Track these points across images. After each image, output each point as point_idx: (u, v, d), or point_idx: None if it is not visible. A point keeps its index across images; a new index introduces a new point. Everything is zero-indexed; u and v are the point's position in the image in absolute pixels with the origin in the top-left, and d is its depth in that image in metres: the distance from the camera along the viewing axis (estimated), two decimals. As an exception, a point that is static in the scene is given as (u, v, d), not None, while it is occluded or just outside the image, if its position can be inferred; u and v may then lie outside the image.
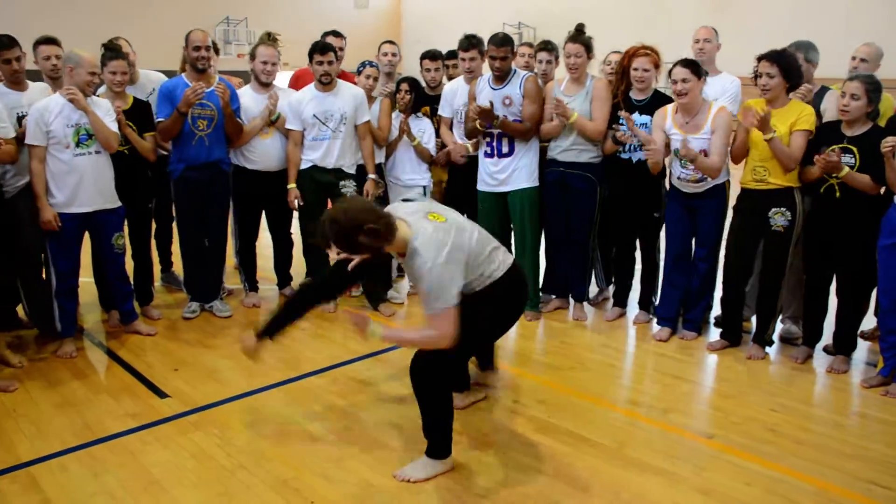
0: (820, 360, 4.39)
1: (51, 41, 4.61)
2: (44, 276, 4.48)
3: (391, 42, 5.74)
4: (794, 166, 4.13)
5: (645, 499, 2.98)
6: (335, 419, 3.65)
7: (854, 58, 4.55)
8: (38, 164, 4.16)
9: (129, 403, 3.79)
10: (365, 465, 3.22)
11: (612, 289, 5.35)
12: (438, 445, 3.16)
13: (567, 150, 4.86)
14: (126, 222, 4.66)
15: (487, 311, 3.13)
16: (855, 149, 3.97)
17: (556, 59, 5.20)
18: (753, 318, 4.69)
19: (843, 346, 4.28)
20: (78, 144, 4.22)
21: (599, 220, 5.02)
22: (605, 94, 4.76)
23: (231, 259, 5.60)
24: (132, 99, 4.72)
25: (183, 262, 5.11)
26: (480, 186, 5.05)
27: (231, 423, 3.59)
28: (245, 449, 3.34)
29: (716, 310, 4.91)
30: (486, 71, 4.98)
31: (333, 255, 3.30)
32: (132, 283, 4.82)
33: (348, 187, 5.01)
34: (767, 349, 4.49)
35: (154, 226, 5.30)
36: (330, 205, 5.05)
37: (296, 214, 5.24)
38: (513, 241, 5.12)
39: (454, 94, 5.21)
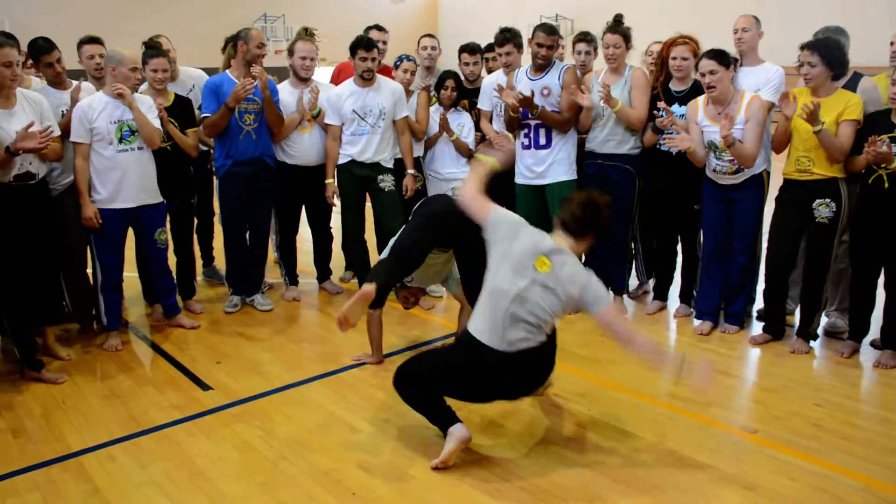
0: (867, 354, 4.30)
1: (94, 41, 4.70)
2: (89, 271, 4.59)
3: (431, 35, 5.74)
4: (842, 158, 4.04)
5: (687, 493, 2.96)
6: (375, 411, 3.68)
7: (893, 43, 4.41)
8: (82, 162, 4.25)
9: (173, 395, 3.86)
10: (404, 457, 3.24)
11: (652, 282, 5.30)
12: (436, 424, 3.24)
13: (606, 141, 4.83)
14: (168, 218, 4.74)
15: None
16: (905, 138, 3.87)
17: (594, 50, 5.16)
18: (797, 312, 4.61)
19: (891, 340, 4.18)
20: (121, 141, 4.30)
21: (640, 213, 4.98)
22: (643, 83, 4.72)
23: (271, 254, 5.67)
24: (174, 95, 4.80)
25: (226, 257, 5.18)
26: (518, 179, 5.04)
27: (273, 415, 3.64)
28: (287, 440, 3.39)
29: (758, 303, 4.84)
30: (524, 63, 4.96)
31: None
32: (175, 277, 4.91)
33: (387, 182, 5.03)
34: (812, 343, 4.41)
35: (196, 221, 5.38)
36: (369, 199, 5.11)
37: (335, 209, 5.28)
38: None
39: (493, 87, 5.19)
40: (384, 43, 5.50)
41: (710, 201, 4.54)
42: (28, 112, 3.90)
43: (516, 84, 4.87)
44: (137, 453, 3.28)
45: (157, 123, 4.42)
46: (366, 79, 4.94)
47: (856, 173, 4.08)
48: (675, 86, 4.69)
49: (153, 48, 4.76)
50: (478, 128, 5.36)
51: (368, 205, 5.21)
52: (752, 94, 4.32)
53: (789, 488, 2.98)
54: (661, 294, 5.13)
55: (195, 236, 5.36)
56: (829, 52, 4.01)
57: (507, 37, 5.00)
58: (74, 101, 4.33)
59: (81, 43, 4.71)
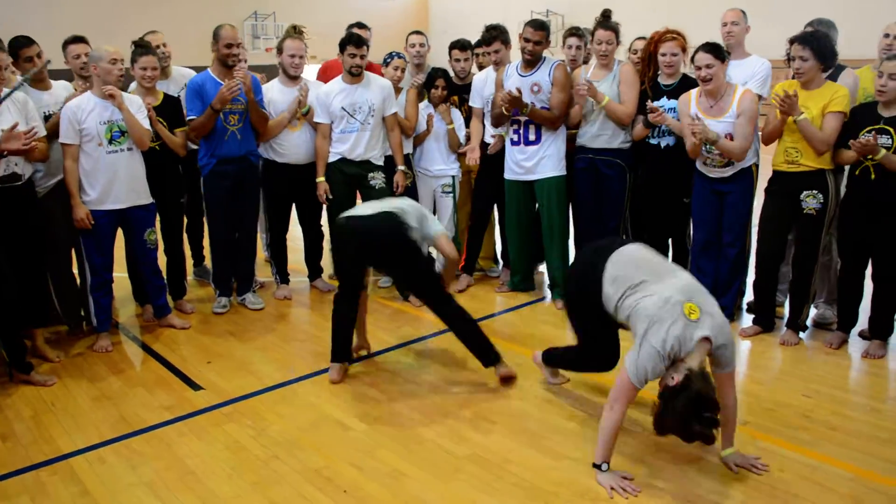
0: (855, 345, 4.32)
1: (79, 40, 4.68)
2: (76, 272, 4.57)
3: (419, 32, 5.72)
4: (827, 149, 4.05)
5: (678, 485, 2.97)
6: (366, 409, 3.68)
7: (887, 35, 4.42)
8: (72, 163, 4.23)
9: (163, 396, 3.85)
10: (396, 454, 3.24)
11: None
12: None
13: (596, 136, 4.84)
14: (158, 217, 4.72)
15: None
16: (892, 129, 3.88)
17: (585, 45, 5.16)
18: (787, 304, 4.62)
19: (879, 330, 4.20)
20: (111, 141, 4.28)
21: (630, 207, 4.98)
22: (632, 77, 4.73)
23: (262, 252, 5.65)
24: (162, 95, 4.78)
25: (212, 257, 5.18)
26: (507, 175, 5.04)
27: (264, 415, 3.64)
28: (278, 439, 3.38)
29: (749, 295, 4.85)
30: (514, 59, 4.96)
31: None
32: (165, 277, 4.89)
33: (377, 179, 5.02)
34: (801, 334, 4.43)
35: (185, 220, 5.37)
36: (359, 197, 5.10)
37: (325, 207, 5.27)
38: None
39: (484, 83, 5.19)
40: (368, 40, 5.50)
41: (701, 194, 4.55)
42: (13, 112, 3.88)
43: (506, 80, 4.87)
44: (128, 454, 3.27)
45: (146, 124, 4.40)
46: (354, 75, 4.92)
47: (843, 165, 4.09)
48: (663, 80, 4.69)
49: (142, 46, 4.74)
50: (468, 125, 5.36)
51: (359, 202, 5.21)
52: (745, 89, 4.33)
53: (779, 479, 2.99)
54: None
55: (185, 236, 5.34)
56: (820, 45, 4.03)
57: (495, 34, 5.00)
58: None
59: (66, 43, 4.68)
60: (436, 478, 3.06)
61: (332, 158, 5.05)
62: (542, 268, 5.64)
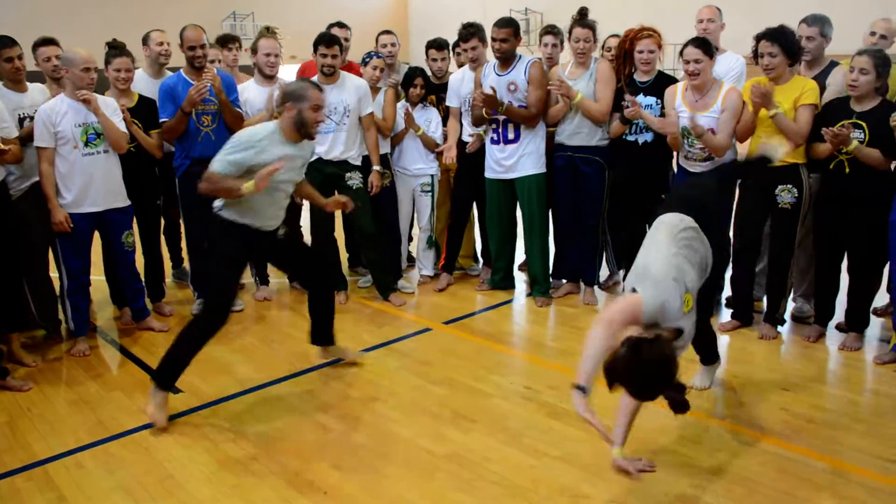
0: (833, 338, 4.36)
1: (49, 42, 4.63)
2: (54, 275, 4.52)
3: (389, 32, 5.70)
4: (802, 142, 4.09)
5: (658, 481, 2.98)
6: (346, 410, 3.67)
7: (874, 33, 4.45)
8: (48, 167, 4.18)
9: (142, 400, 3.79)
10: (377, 455, 3.23)
11: (622, 273, 5.34)
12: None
13: (574, 133, 4.85)
14: (135, 220, 4.68)
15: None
16: (864, 124, 3.92)
17: (561, 43, 5.17)
18: (765, 298, 4.66)
19: (855, 323, 4.25)
20: (87, 144, 4.24)
21: (609, 204, 5.00)
22: (608, 75, 4.74)
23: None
24: (137, 96, 4.74)
25: (189, 259, 5.14)
26: (487, 174, 5.05)
27: (243, 417, 3.62)
28: (258, 441, 3.36)
29: (727, 290, 4.88)
30: (491, 57, 4.96)
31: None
32: (143, 280, 4.85)
33: (354, 179, 5.01)
34: (779, 328, 4.47)
35: (163, 222, 5.33)
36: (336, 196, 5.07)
37: (304, 207, 5.25)
38: (521, 228, 5.12)
39: (460, 83, 5.19)
40: (346, 40, 5.47)
41: (682, 187, 4.58)
42: None
43: (484, 80, 4.87)
44: (105, 459, 3.24)
45: (122, 126, 4.36)
46: (327, 74, 4.89)
47: (819, 159, 4.12)
48: (639, 77, 4.71)
49: (116, 48, 4.69)
50: (445, 123, 5.35)
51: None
52: (731, 86, 4.35)
53: (757, 472, 3.01)
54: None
55: (162, 238, 5.30)
56: (787, 41, 4.06)
57: (472, 31, 5.00)
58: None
59: (36, 45, 4.63)
60: (416, 477, 3.06)
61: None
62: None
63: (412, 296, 5.38)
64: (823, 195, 4.17)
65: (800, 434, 3.30)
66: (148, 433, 3.47)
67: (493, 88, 4.70)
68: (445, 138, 5.30)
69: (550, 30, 5.19)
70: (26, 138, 4.18)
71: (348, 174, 5.00)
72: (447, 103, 5.29)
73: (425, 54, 5.51)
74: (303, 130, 3.57)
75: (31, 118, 4.26)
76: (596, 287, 5.24)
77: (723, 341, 4.42)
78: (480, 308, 5.13)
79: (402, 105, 5.32)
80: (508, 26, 4.76)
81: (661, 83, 4.60)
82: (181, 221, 5.25)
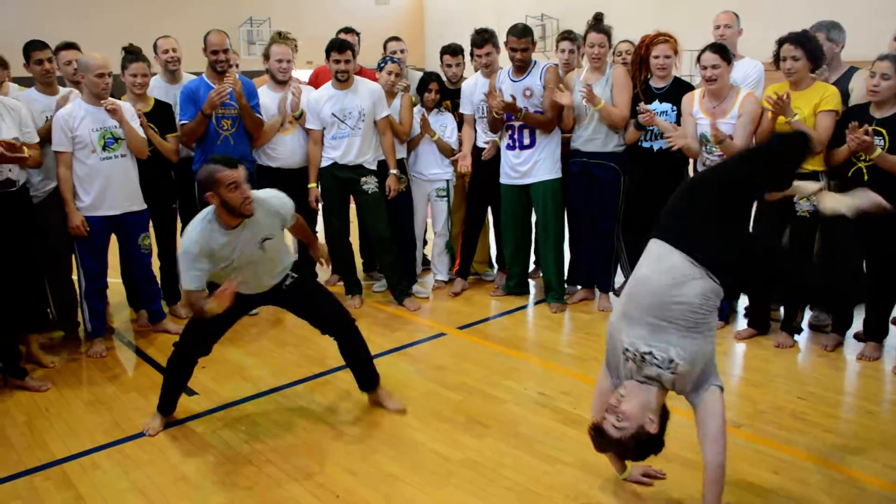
0: (850, 347, 4.32)
1: (70, 46, 4.69)
2: (74, 278, 4.57)
3: (397, 38, 5.72)
4: (822, 148, 4.06)
5: (673, 489, 2.96)
6: (360, 413, 3.67)
7: (895, 39, 4.45)
8: (65, 170, 4.22)
9: (157, 401, 3.83)
10: (390, 459, 3.23)
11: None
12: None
13: (590, 139, 4.84)
14: (151, 223, 4.72)
15: None
16: (885, 131, 3.88)
17: (578, 49, 5.17)
18: (782, 306, 4.62)
19: (874, 332, 4.20)
20: (104, 148, 4.28)
21: (624, 210, 4.99)
22: (624, 80, 4.73)
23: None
24: (153, 101, 4.78)
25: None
26: (503, 179, 5.05)
27: (258, 419, 3.63)
28: (271, 444, 3.38)
29: (744, 299, 4.85)
30: (503, 64, 4.97)
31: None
32: (159, 282, 4.88)
33: (370, 184, 5.02)
34: (796, 337, 4.43)
35: (180, 226, 5.36)
36: (353, 202, 5.11)
37: (320, 212, 5.27)
38: (535, 234, 5.11)
39: (472, 89, 5.20)
40: (355, 45, 5.50)
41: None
42: (6, 119, 3.87)
43: (499, 86, 4.88)
44: (121, 460, 3.27)
45: (141, 132, 4.40)
46: (341, 80, 4.92)
47: (836, 166, 4.09)
48: (655, 83, 4.70)
49: (132, 53, 4.74)
50: (461, 129, 5.36)
51: (353, 206, 5.21)
52: (748, 91, 4.33)
53: (773, 482, 2.99)
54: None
55: (179, 241, 5.32)
56: (812, 46, 4.04)
57: (486, 37, 5.02)
58: (59, 107, 4.31)
59: (58, 49, 4.69)
60: (429, 483, 3.05)
61: (324, 164, 5.05)
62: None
63: (427, 300, 5.39)
64: (842, 203, 4.14)
65: (815, 444, 3.27)
66: (163, 435, 3.49)
67: (512, 96, 4.71)
68: (460, 144, 5.31)
69: (567, 35, 5.19)
70: (45, 138, 4.22)
71: (364, 178, 5.01)
72: (461, 111, 5.30)
73: (440, 60, 5.52)
74: (235, 213, 3.20)
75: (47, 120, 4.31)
76: (611, 293, 5.23)
77: (738, 350, 4.40)
78: (495, 313, 5.12)
79: (417, 110, 5.33)
80: (527, 35, 4.77)
81: (677, 89, 4.59)
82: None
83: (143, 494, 3.00)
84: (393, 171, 5.10)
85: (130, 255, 4.60)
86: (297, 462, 3.22)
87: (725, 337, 4.53)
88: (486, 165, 5.19)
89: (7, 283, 3.91)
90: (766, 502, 2.86)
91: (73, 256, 4.52)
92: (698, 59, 4.34)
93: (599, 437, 2.64)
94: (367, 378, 3.71)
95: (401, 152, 5.29)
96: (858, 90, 4.24)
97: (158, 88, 5.05)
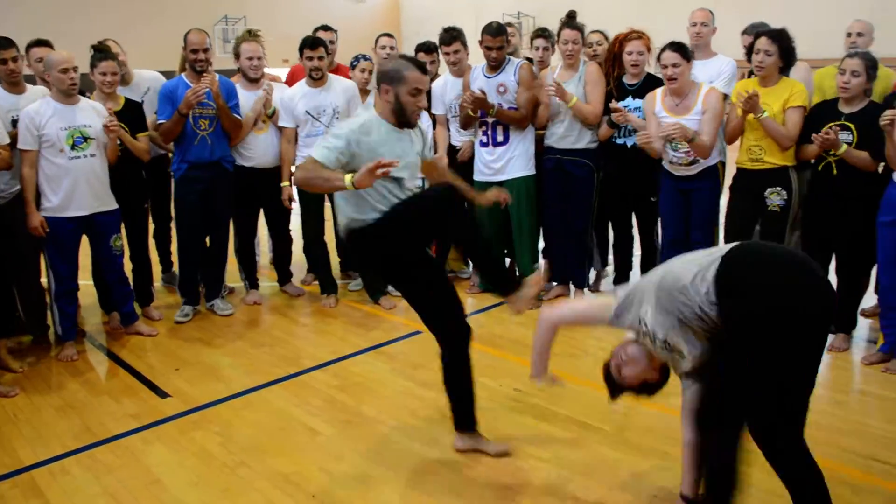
0: (821, 339, 4.37)
1: (41, 43, 4.64)
2: (43, 280, 4.50)
3: (389, 35, 5.70)
4: (791, 144, 4.11)
5: (647, 482, 2.98)
6: (336, 413, 3.66)
7: (850, 34, 4.55)
8: (29, 170, 4.15)
9: (129, 404, 3.80)
10: (366, 458, 3.22)
11: (609, 269, 5.35)
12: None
13: (564, 136, 4.86)
14: (122, 224, 4.67)
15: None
16: (853, 126, 3.94)
17: (552, 45, 5.18)
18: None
19: (843, 323, 4.25)
20: (73, 147, 4.22)
21: (598, 207, 5.01)
22: (597, 77, 4.75)
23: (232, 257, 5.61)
24: (123, 100, 4.72)
25: (179, 264, 5.13)
26: (477, 177, 5.05)
27: (232, 421, 3.60)
28: (246, 445, 3.35)
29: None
30: (472, 62, 4.97)
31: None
32: (132, 284, 4.83)
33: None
34: (769, 330, 4.47)
35: (152, 227, 5.31)
36: (327, 200, 5.08)
37: (295, 210, 5.24)
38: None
39: (444, 89, 5.19)
40: (332, 42, 5.47)
41: (667, 193, 4.58)
42: None
43: (473, 82, 4.88)
44: (92, 465, 3.23)
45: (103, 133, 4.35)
46: (314, 78, 4.89)
47: (806, 161, 4.14)
48: (628, 80, 4.73)
49: (101, 51, 4.68)
50: (435, 127, 5.35)
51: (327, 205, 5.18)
52: (710, 87, 4.37)
53: (744, 473, 3.00)
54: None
55: (152, 241, 5.28)
56: (786, 43, 4.09)
57: (454, 35, 5.01)
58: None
59: (29, 46, 4.63)
60: (405, 480, 3.05)
61: (298, 162, 5.01)
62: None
63: (402, 299, 5.36)
64: (812, 197, 4.19)
65: (788, 435, 3.30)
66: (135, 438, 3.45)
67: (482, 91, 4.70)
68: (435, 144, 5.30)
69: (541, 33, 5.20)
70: (16, 139, 4.16)
71: (339, 177, 4.98)
72: (433, 111, 5.27)
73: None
74: (402, 118, 3.03)
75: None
76: (586, 289, 5.24)
77: (712, 343, 4.42)
78: (471, 311, 5.12)
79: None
80: (503, 34, 4.77)
81: (649, 86, 4.61)
82: (172, 225, 5.23)
83: (115, 499, 2.97)
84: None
85: (102, 256, 4.54)
86: (272, 463, 3.20)
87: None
88: (461, 164, 5.18)
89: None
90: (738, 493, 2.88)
91: (43, 258, 4.46)
92: (658, 58, 4.37)
93: (606, 374, 2.77)
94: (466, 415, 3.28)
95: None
96: (805, 84, 4.30)
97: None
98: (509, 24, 5.64)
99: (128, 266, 4.79)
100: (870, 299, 4.60)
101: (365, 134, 2.98)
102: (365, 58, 5.26)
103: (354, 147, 2.93)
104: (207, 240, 5.05)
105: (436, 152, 5.24)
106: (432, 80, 5.45)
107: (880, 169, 4.01)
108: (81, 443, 3.41)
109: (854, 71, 3.90)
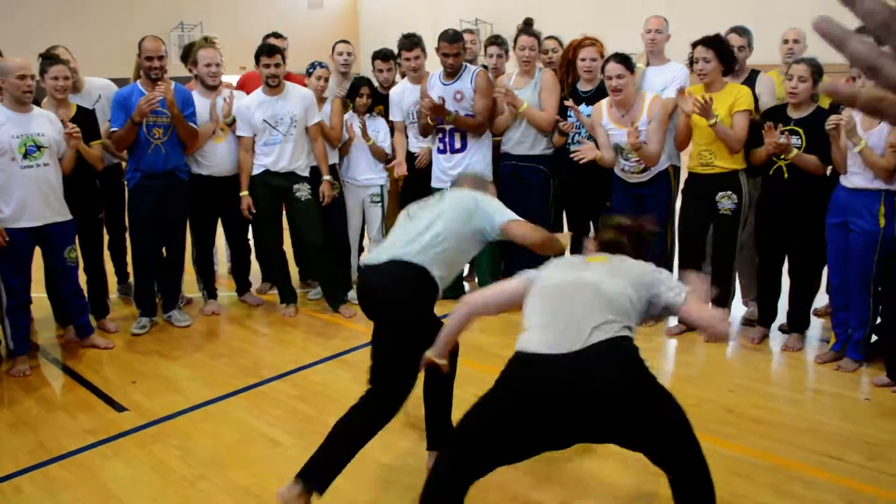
0: (776, 339, 4.47)
1: None
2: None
3: (346, 41, 5.70)
4: (740, 147, 4.20)
5: (608, 485, 3.01)
6: (296, 423, 3.63)
7: (786, 41, 4.66)
8: None
9: (85, 419, 3.73)
10: (326, 468, 3.20)
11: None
12: None
13: (519, 142, 4.90)
14: (76, 234, 4.58)
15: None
16: (801, 130, 4.04)
17: (506, 52, 5.22)
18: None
19: (796, 324, 4.36)
20: (25, 156, 4.13)
21: (554, 212, 5.05)
22: (553, 84, 4.81)
23: (189, 267, 5.54)
24: (75, 107, 4.63)
25: (134, 275, 5.05)
26: (434, 183, 5.06)
27: (191, 433, 3.56)
28: (205, 458, 3.31)
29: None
30: (430, 69, 4.98)
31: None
32: (87, 296, 4.74)
33: (302, 191, 4.98)
34: (725, 331, 4.55)
35: (107, 237, 5.22)
36: (285, 210, 5.05)
37: (252, 220, 5.20)
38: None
39: (401, 96, 5.20)
40: (284, 50, 5.45)
41: (620, 199, 4.64)
42: None
43: (430, 90, 4.89)
44: (46, 482, 3.16)
45: (67, 141, 4.27)
46: (272, 86, 4.87)
47: (757, 165, 4.23)
48: (582, 86, 4.79)
49: (50, 57, 4.59)
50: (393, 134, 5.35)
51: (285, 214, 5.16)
52: (653, 95, 4.44)
53: (703, 474, 3.05)
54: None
55: (107, 252, 5.19)
56: (722, 48, 4.17)
57: (414, 41, 5.02)
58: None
59: None
60: (368, 489, 3.04)
61: (256, 171, 4.98)
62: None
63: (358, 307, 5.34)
64: (763, 200, 4.28)
65: (745, 434, 3.37)
66: (92, 454, 3.38)
67: (441, 98, 4.72)
68: (394, 150, 5.30)
69: (495, 40, 5.24)
70: None
71: (296, 186, 4.96)
72: (391, 118, 5.28)
73: (371, 65, 5.50)
74: None
75: None
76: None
77: (670, 345, 4.49)
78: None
79: (350, 115, 5.30)
80: (459, 40, 4.80)
81: (603, 92, 4.67)
82: (127, 236, 5.15)
83: (70, 516, 2.91)
84: (326, 177, 5.06)
85: (56, 267, 4.45)
86: (232, 475, 3.17)
87: (657, 333, 4.63)
88: (419, 169, 5.20)
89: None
90: (697, 494, 2.92)
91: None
92: (602, 70, 4.43)
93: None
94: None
95: (333, 158, 5.26)
96: (766, 94, 4.40)
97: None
98: (469, 31, 5.68)
99: (82, 277, 4.69)
100: (821, 299, 4.71)
101: None
102: (321, 65, 5.24)
103: None
104: (164, 250, 4.99)
105: (394, 158, 5.25)
106: (389, 87, 5.47)
107: (828, 172, 4.12)
108: (35, 460, 3.33)
109: (801, 76, 4.00)
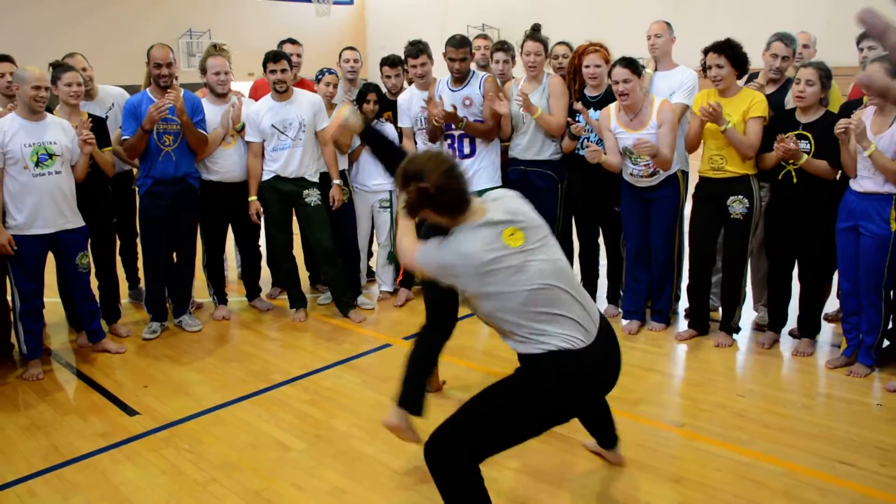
0: (786, 344, 4.46)
1: (4, 59, 4.58)
2: (8, 298, 4.43)
3: (352, 48, 5.73)
4: (752, 154, 4.19)
5: (617, 489, 3.01)
6: (306, 428, 3.64)
7: (807, 46, 4.64)
8: None
9: (98, 423, 3.75)
10: (337, 473, 3.21)
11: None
12: None
13: (527, 147, 4.91)
14: (88, 240, 4.61)
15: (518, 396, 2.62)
16: (810, 135, 4.04)
17: (512, 58, 5.24)
18: (720, 307, 4.73)
19: (807, 329, 4.35)
20: (38, 164, 4.17)
21: (563, 217, 5.06)
22: (560, 89, 4.81)
23: (200, 272, 5.57)
24: (87, 115, 4.67)
25: (145, 280, 5.07)
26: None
27: (202, 437, 3.57)
28: (216, 462, 3.32)
29: (684, 301, 4.95)
30: (437, 75, 5.00)
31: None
32: (98, 301, 4.77)
33: (312, 196, 5.00)
34: (735, 336, 4.54)
35: (119, 242, 5.25)
36: (295, 215, 5.08)
37: (262, 225, 5.22)
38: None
39: (409, 102, 5.21)
40: (298, 56, 5.48)
41: (629, 203, 4.64)
42: None
43: (438, 95, 4.90)
44: (59, 485, 3.18)
45: (83, 149, 4.30)
46: (279, 91, 4.89)
47: (767, 170, 4.23)
48: (589, 92, 4.79)
49: (62, 65, 4.63)
50: (401, 141, 5.37)
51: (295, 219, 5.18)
52: (662, 100, 4.44)
53: (715, 479, 3.06)
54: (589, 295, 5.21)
55: (118, 258, 5.22)
56: (735, 53, 4.16)
57: (420, 48, 5.03)
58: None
59: None
60: (378, 494, 3.05)
61: (265, 177, 5.00)
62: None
63: (372, 312, 5.37)
64: (773, 205, 4.28)
65: (755, 439, 3.37)
66: (104, 457, 3.40)
67: (453, 106, 4.74)
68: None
69: (501, 46, 5.25)
70: None
71: (306, 191, 4.98)
72: (399, 124, 5.30)
73: (380, 71, 5.53)
74: None
75: None
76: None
77: (680, 350, 4.49)
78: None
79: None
80: (465, 46, 4.82)
81: (610, 98, 4.68)
82: (138, 241, 5.17)
83: (84, 519, 2.93)
84: (336, 181, 5.08)
85: (68, 274, 4.47)
86: (243, 479, 3.18)
87: (667, 338, 4.63)
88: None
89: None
90: (709, 498, 2.93)
91: (7, 276, 4.39)
92: (609, 75, 4.43)
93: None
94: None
95: (342, 163, 5.28)
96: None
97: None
98: (484, 36, 5.71)
99: (94, 283, 4.72)
100: (832, 304, 4.71)
101: None
102: (329, 71, 5.27)
103: None
104: (174, 255, 5.02)
105: None
106: (397, 93, 5.49)
107: (838, 176, 4.11)
108: (49, 463, 3.36)
109: (809, 80, 3.99)
